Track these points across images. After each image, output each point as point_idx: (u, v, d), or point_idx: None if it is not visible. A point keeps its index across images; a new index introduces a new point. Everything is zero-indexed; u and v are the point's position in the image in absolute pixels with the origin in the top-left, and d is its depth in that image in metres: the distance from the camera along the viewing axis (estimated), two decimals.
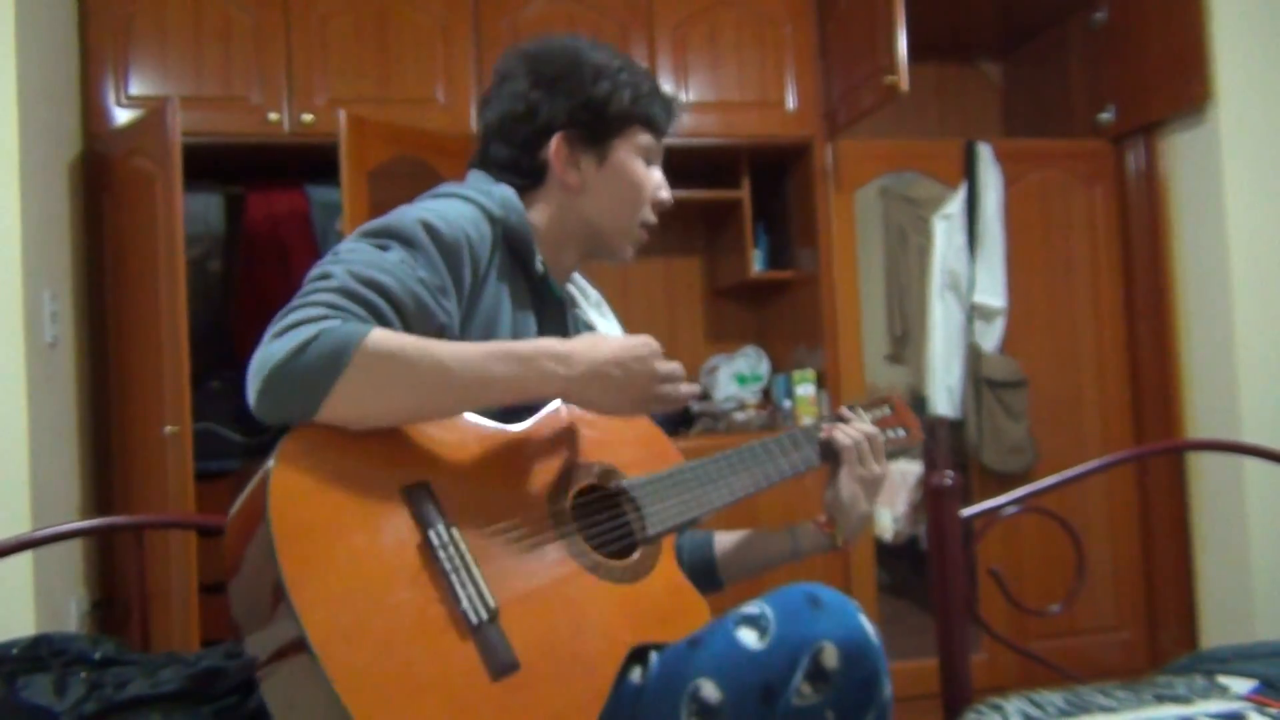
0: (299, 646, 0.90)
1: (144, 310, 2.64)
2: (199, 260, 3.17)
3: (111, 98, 2.81)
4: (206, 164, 2.97)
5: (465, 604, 0.99)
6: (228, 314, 3.27)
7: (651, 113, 1.32)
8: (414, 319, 1.08)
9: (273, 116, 2.87)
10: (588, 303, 1.43)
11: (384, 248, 1.10)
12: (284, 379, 0.97)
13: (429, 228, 1.13)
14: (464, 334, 1.17)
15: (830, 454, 1.37)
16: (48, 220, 2.51)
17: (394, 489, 1.03)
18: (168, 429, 2.54)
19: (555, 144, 1.28)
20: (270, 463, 0.97)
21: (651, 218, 1.36)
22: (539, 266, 1.27)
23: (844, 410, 1.42)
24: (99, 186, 2.79)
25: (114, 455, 2.75)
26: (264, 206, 3.19)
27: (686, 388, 1.19)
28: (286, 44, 2.91)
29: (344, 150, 2.62)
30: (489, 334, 1.20)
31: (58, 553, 2.40)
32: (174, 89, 2.79)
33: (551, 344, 1.10)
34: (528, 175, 1.30)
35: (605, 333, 1.40)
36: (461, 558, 1.02)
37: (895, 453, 1.43)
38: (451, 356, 1.04)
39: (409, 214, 1.14)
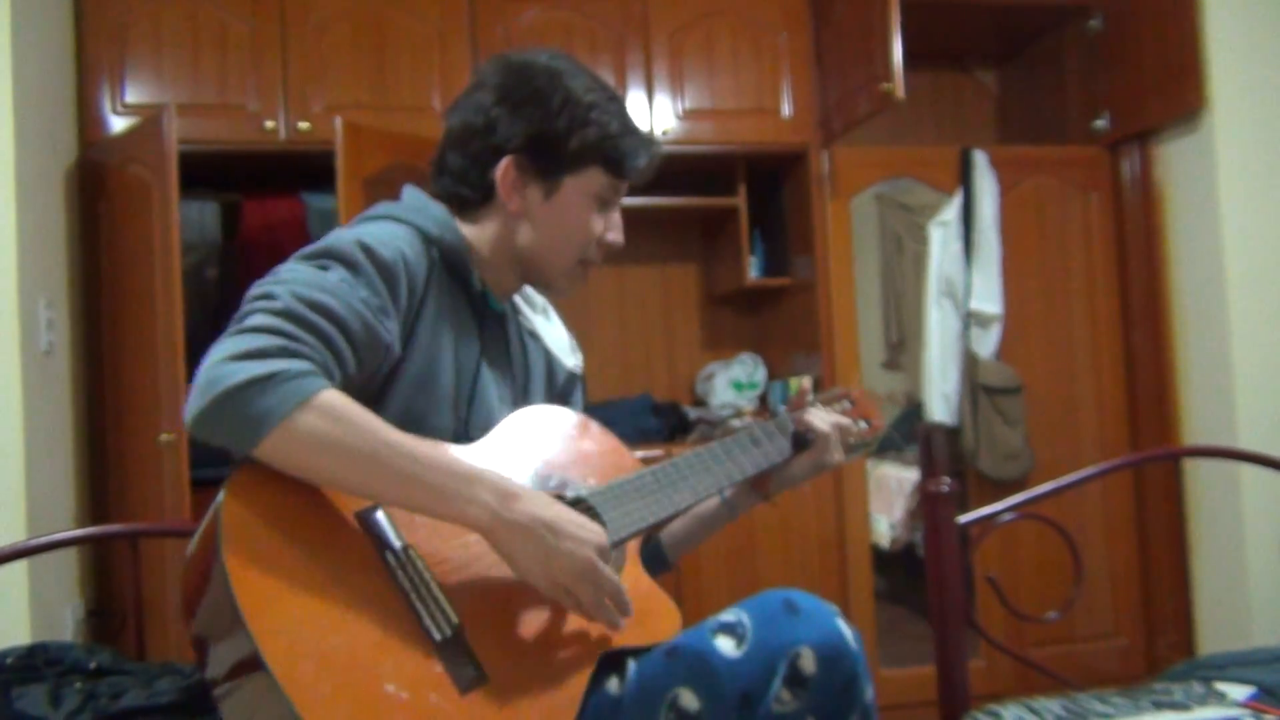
0: (260, 673, 0.89)
1: (140, 318, 2.64)
2: (195, 268, 3.17)
3: (108, 105, 2.80)
4: (203, 172, 2.97)
5: (426, 621, 1.00)
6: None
7: (614, 155, 1.26)
8: (360, 340, 1.07)
9: (269, 124, 2.87)
10: (533, 310, 1.42)
11: (324, 268, 1.09)
12: (230, 409, 0.95)
13: (366, 248, 1.11)
14: (404, 356, 1.15)
15: (803, 443, 1.37)
16: (43, 228, 2.51)
17: (347, 513, 1.03)
18: (163, 437, 2.53)
19: (504, 166, 1.24)
20: (220, 496, 0.97)
21: (594, 259, 1.31)
22: (476, 284, 1.25)
23: (812, 399, 1.43)
24: (95, 194, 2.79)
25: (109, 463, 2.74)
26: (260, 214, 3.19)
27: (611, 615, 1.06)
28: (283, 52, 2.91)
29: (340, 158, 2.62)
30: (431, 359, 1.18)
31: (53, 561, 2.40)
32: (170, 97, 2.79)
33: (501, 478, 1.04)
34: (476, 189, 1.26)
35: (550, 341, 1.40)
36: (420, 575, 1.02)
37: (858, 445, 1.43)
38: (388, 446, 0.99)
39: (345, 236, 1.13)
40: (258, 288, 1.07)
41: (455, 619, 1.01)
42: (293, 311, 1.02)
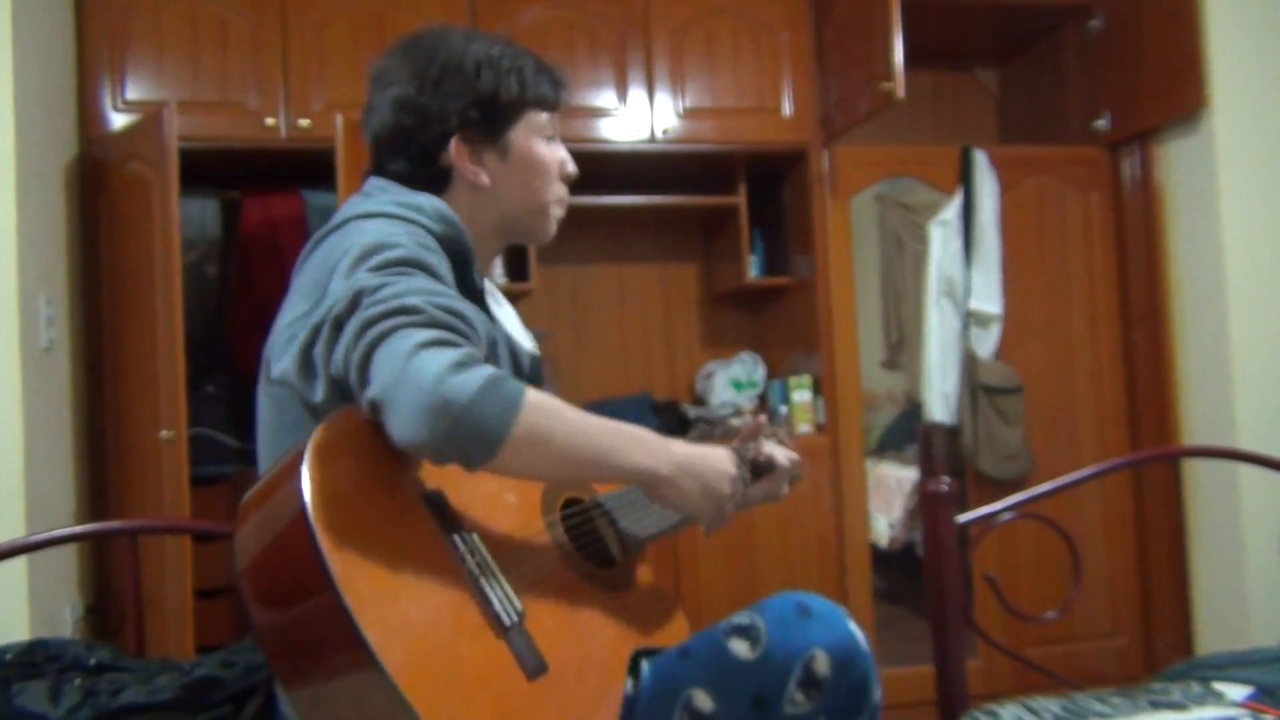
0: (354, 646, 0.87)
1: (140, 315, 2.64)
2: (195, 265, 3.17)
3: (108, 102, 2.80)
4: (203, 169, 2.97)
5: (497, 606, 1.00)
6: (224, 319, 3.27)
7: (542, 93, 1.30)
8: (482, 339, 1.07)
9: (269, 121, 2.87)
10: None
11: (407, 275, 1.05)
12: (467, 423, 0.93)
13: (427, 250, 1.11)
14: None
15: (761, 471, 1.37)
16: (44, 225, 2.51)
17: (415, 496, 1.03)
18: (163, 434, 2.53)
19: (455, 147, 1.25)
20: (302, 459, 0.93)
21: (564, 192, 1.35)
22: (478, 276, 1.23)
23: (771, 429, 1.44)
24: (95, 191, 2.79)
25: (109, 460, 2.74)
26: (260, 211, 3.19)
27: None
28: (283, 49, 2.91)
29: (341, 155, 2.62)
30: None
31: (53, 558, 2.40)
32: (170, 94, 2.79)
33: (643, 430, 1.09)
34: (430, 182, 1.26)
35: (508, 325, 1.39)
36: (486, 562, 1.02)
37: (791, 479, 1.44)
38: (584, 425, 1.03)
39: (396, 238, 1.09)
40: (375, 307, 1.00)
41: (520, 606, 1.02)
42: (441, 320, 1.00)
